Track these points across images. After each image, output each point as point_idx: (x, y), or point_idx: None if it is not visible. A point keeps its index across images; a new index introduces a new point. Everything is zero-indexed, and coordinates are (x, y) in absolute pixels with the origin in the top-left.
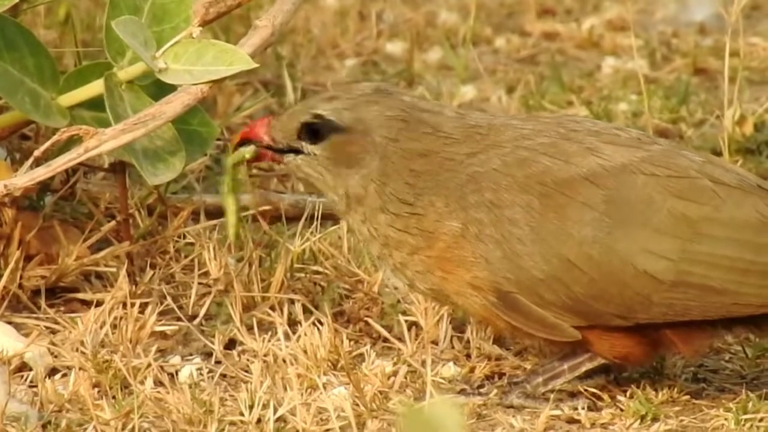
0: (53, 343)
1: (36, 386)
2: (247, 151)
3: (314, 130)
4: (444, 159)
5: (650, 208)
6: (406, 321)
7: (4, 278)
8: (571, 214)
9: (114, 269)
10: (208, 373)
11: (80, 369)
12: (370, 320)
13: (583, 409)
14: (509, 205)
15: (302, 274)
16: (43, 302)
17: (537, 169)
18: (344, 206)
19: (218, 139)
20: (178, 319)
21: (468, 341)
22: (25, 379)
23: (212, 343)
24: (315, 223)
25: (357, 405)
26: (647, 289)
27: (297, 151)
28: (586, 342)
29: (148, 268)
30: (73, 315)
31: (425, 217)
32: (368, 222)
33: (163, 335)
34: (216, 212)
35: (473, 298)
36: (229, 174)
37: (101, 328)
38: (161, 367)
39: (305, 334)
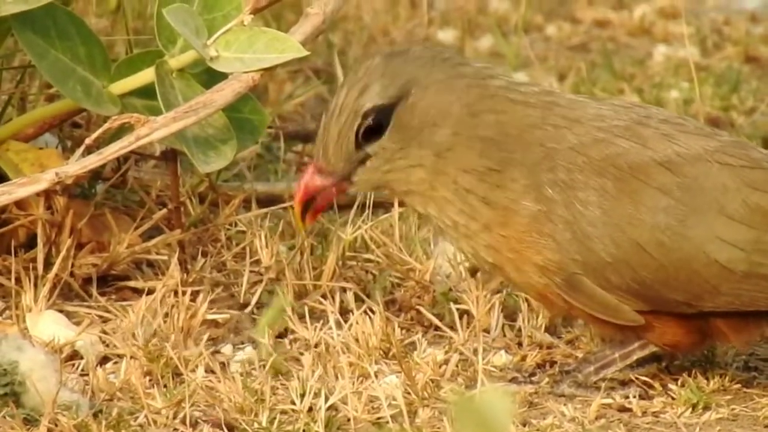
0: (104, 332)
1: (87, 375)
2: (280, 308)
3: (371, 128)
4: (521, 127)
5: (725, 197)
6: (457, 309)
7: (56, 266)
8: (645, 199)
9: (165, 257)
10: (260, 361)
11: (131, 357)
12: (421, 308)
13: (634, 397)
14: (583, 186)
15: (354, 263)
16: (94, 290)
17: (613, 151)
18: (431, 173)
19: (269, 127)
20: (230, 307)
21: (519, 329)
22: (77, 368)
23: (264, 332)
24: (366, 211)
25: (408, 393)
26: (717, 279)
27: (361, 162)
28: (641, 327)
29: (199, 256)
30: (124, 303)
31: (507, 191)
32: (454, 184)
33: (215, 323)
34: (267, 200)
35: (535, 277)
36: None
37: (153, 316)
38: (212, 355)
39: (357, 323)
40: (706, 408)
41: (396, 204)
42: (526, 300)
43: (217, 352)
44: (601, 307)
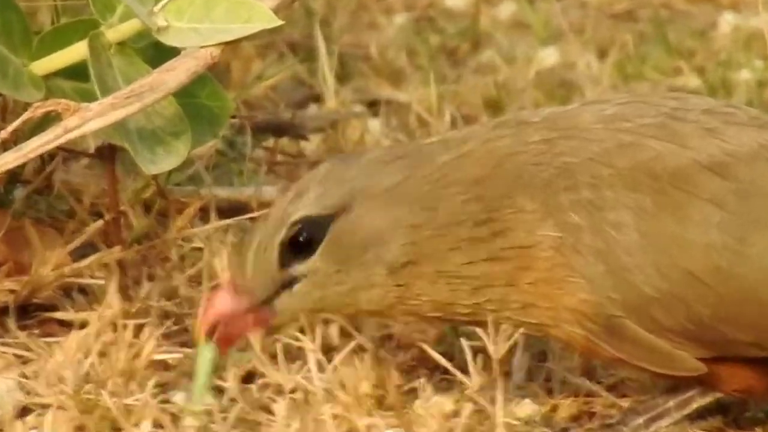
0: (24, 376)
1: (2, 430)
2: (212, 357)
3: (301, 243)
4: (496, 161)
5: None
6: (470, 347)
7: None
8: (692, 214)
9: (102, 281)
10: (221, 413)
11: (59, 408)
12: (425, 346)
13: None
14: (613, 205)
15: None
16: (12, 323)
17: (645, 156)
18: (391, 290)
19: (233, 116)
20: (183, 344)
21: (549, 372)
22: None
23: (225, 375)
24: None
25: None
26: None
27: (286, 286)
28: (703, 374)
29: (144, 279)
30: (49, 339)
31: (514, 230)
32: (442, 277)
33: (164, 365)
34: (230, 209)
35: (570, 327)
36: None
37: (85, 356)
38: (161, 405)
39: (343, 364)
40: None
41: None
42: None
43: (167, 401)
44: (652, 357)
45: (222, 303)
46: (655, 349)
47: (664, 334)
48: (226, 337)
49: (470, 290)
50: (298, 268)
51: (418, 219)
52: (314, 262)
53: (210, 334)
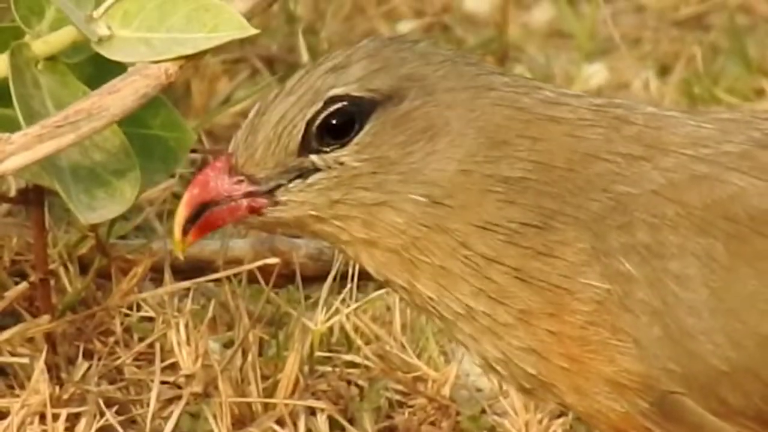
0: None
1: None
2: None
3: (332, 127)
4: (573, 157)
5: None
6: None
7: None
8: None
9: (26, 360)
10: None
11: None
12: None
13: None
14: (677, 252)
15: (328, 368)
16: None
17: (723, 194)
18: (416, 226)
19: (193, 151)
20: None
21: None
22: None
23: None
24: (349, 285)
25: None
26: None
27: (300, 175)
28: None
29: (80, 357)
30: None
31: (555, 260)
32: (461, 250)
33: None
34: (190, 269)
35: (606, 401)
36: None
37: None
38: None
39: None
40: None
41: None
42: None
43: None
44: None
45: (216, 182)
46: None
47: (734, 418)
48: (208, 222)
49: (476, 289)
50: (323, 156)
51: (482, 148)
52: (346, 153)
53: (193, 218)
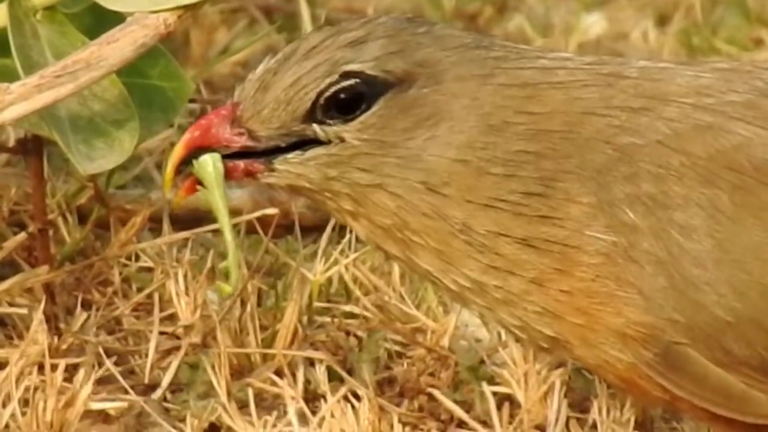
0: None
1: None
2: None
3: (341, 101)
4: (572, 120)
5: None
6: (494, 394)
7: None
8: None
9: (25, 310)
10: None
11: None
12: (435, 392)
13: None
14: (682, 203)
15: (327, 319)
16: None
17: (727, 144)
18: (410, 212)
19: (192, 101)
20: (128, 390)
21: (594, 425)
22: None
23: (183, 428)
24: (348, 236)
25: None
26: None
27: (304, 144)
28: None
29: (79, 308)
30: None
31: (561, 221)
32: (464, 232)
33: (104, 417)
34: (188, 219)
35: (613, 352)
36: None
37: (4, 405)
38: None
39: (332, 415)
40: None
41: None
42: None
43: None
44: (719, 396)
45: (218, 130)
46: (724, 388)
47: (738, 368)
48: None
49: (484, 265)
50: (326, 129)
51: (478, 135)
52: (349, 130)
53: (188, 158)
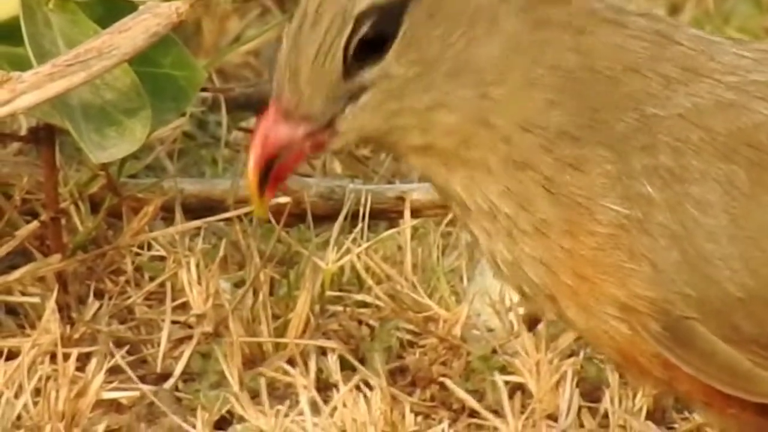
0: None
1: None
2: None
3: (368, 42)
4: (616, 68)
5: None
6: (506, 383)
7: None
8: None
9: (37, 299)
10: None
11: None
12: (447, 381)
13: None
14: (699, 178)
15: (339, 308)
16: None
17: (748, 121)
18: (468, 120)
19: (204, 90)
20: (141, 379)
21: (605, 415)
22: None
23: (194, 418)
24: (360, 224)
25: None
26: None
27: (352, 98)
28: None
29: (91, 297)
30: None
31: (579, 177)
32: (506, 140)
33: (116, 406)
34: (201, 207)
35: (613, 323)
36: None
37: (16, 394)
38: None
39: (344, 405)
40: None
41: (407, 213)
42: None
43: None
44: (725, 374)
45: (275, 133)
46: (731, 365)
47: (746, 346)
48: (278, 177)
49: (504, 189)
50: (368, 74)
51: (524, 29)
52: (388, 63)
53: (263, 175)
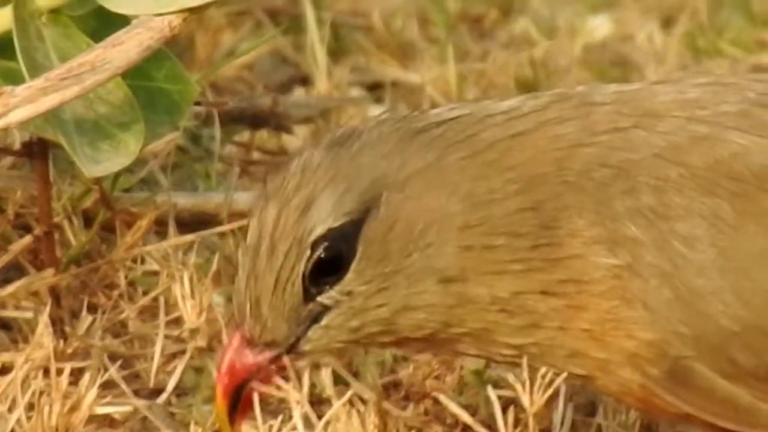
0: None
1: None
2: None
3: (324, 265)
4: (561, 156)
5: None
6: (499, 397)
7: None
8: None
9: (30, 314)
10: None
11: None
12: (441, 396)
13: None
14: (683, 213)
15: None
16: None
17: (725, 152)
18: (445, 307)
19: (197, 104)
20: (133, 394)
21: (599, 429)
22: None
23: None
24: None
25: None
26: None
27: (314, 320)
28: None
29: (84, 311)
30: None
31: (569, 257)
32: (495, 304)
33: (109, 421)
34: (194, 221)
35: (628, 375)
36: None
37: (9, 409)
38: None
39: (338, 419)
40: None
41: None
42: None
43: None
44: (726, 410)
45: (241, 360)
46: (731, 400)
47: (745, 379)
48: (248, 401)
49: (518, 327)
50: (329, 295)
51: (470, 216)
52: (348, 283)
53: (233, 401)
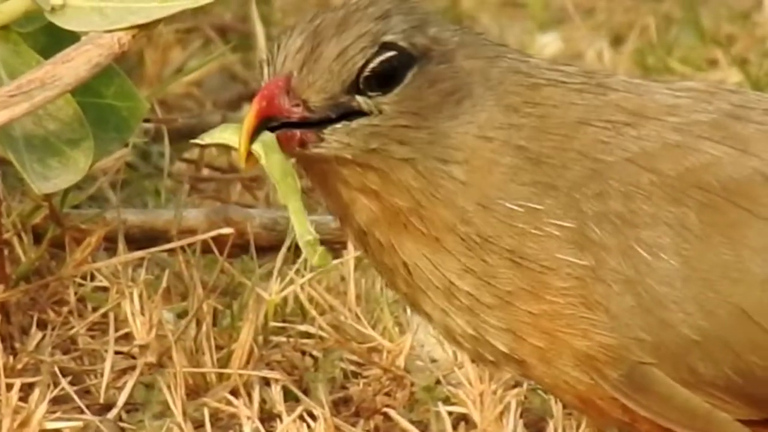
0: None
1: None
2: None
3: (381, 73)
4: (565, 125)
5: None
6: (450, 414)
7: None
8: (749, 237)
9: None
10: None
11: None
12: (392, 412)
13: None
14: (650, 221)
15: (283, 339)
16: None
17: (696, 162)
18: (427, 192)
19: (147, 120)
20: (84, 409)
21: None
22: None
23: None
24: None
25: None
26: None
27: (347, 115)
28: None
29: (34, 327)
30: None
31: (545, 241)
32: (465, 221)
33: None
34: (144, 238)
35: (574, 373)
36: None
37: None
38: None
39: None
40: None
41: (351, 244)
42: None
43: None
44: (684, 417)
45: (281, 100)
46: (689, 408)
47: (703, 388)
48: (289, 138)
49: (464, 268)
50: (369, 100)
51: (500, 115)
52: (388, 102)
53: (256, 131)
